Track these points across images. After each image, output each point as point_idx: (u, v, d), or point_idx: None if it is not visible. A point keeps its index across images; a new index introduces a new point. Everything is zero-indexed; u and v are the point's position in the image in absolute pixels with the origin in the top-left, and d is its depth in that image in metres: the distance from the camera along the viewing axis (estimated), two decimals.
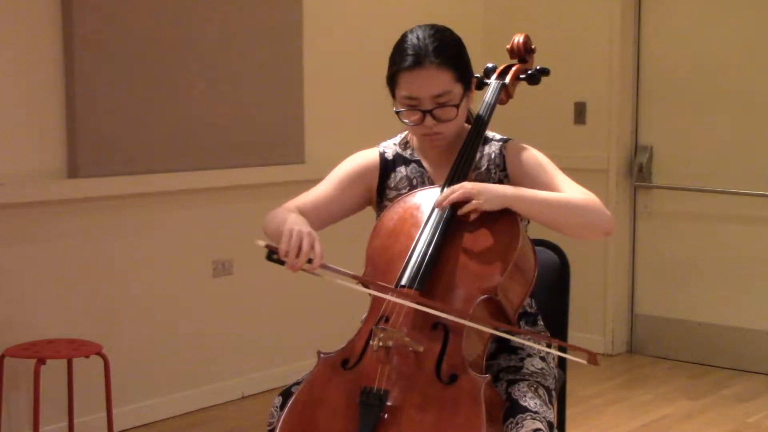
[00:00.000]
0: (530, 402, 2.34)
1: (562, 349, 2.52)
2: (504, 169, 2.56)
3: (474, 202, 2.36)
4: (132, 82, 4.22)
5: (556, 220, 2.43)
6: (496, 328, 2.35)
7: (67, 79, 4.05)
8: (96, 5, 4.09)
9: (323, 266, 2.29)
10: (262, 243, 2.30)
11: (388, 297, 2.33)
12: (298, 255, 2.26)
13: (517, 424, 2.29)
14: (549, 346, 2.56)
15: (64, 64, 4.05)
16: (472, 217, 2.39)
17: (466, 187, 2.37)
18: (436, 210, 2.43)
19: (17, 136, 3.97)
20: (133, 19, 4.21)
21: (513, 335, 2.42)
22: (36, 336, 3.95)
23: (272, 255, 2.28)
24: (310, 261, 2.27)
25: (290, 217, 2.41)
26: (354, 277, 2.33)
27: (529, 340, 2.51)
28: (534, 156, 2.56)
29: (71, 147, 4.07)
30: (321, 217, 2.58)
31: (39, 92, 4.01)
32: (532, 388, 2.40)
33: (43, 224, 4.02)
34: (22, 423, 3.97)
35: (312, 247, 2.28)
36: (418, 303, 2.29)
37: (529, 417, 2.30)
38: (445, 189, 2.44)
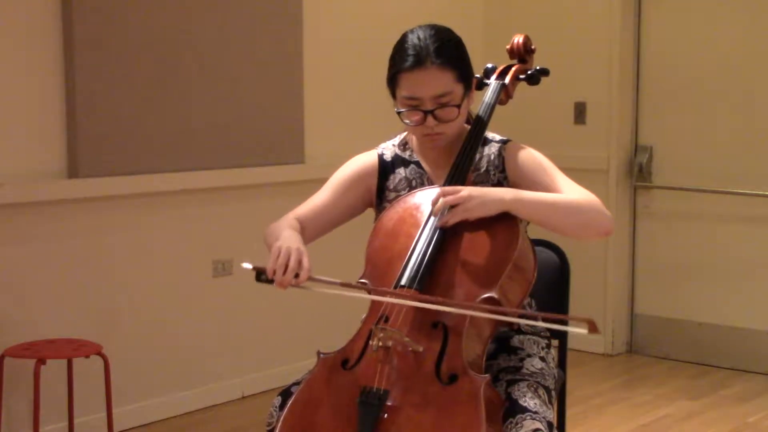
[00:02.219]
0: (530, 402, 2.34)
1: (562, 323, 2.48)
2: (503, 171, 2.56)
3: (461, 210, 2.34)
4: (132, 82, 4.22)
5: (556, 221, 2.42)
6: (494, 313, 2.33)
7: (67, 79, 4.05)
8: (96, 5, 4.09)
9: (311, 279, 2.31)
10: (249, 266, 2.33)
11: (385, 299, 2.33)
12: (285, 272, 2.28)
13: (516, 424, 2.29)
14: (546, 321, 2.52)
15: (64, 64, 4.05)
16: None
17: (460, 193, 2.36)
18: None
19: (17, 136, 3.97)
20: (133, 19, 4.21)
21: (510, 317, 2.37)
22: (36, 336, 3.95)
23: (260, 276, 2.32)
24: (297, 276, 2.29)
25: (284, 233, 2.43)
26: (342, 285, 2.33)
27: (527, 323, 2.49)
28: (533, 157, 2.56)
29: (71, 147, 4.07)
30: (323, 224, 2.61)
31: (39, 92, 4.01)
32: (532, 388, 2.40)
33: (43, 224, 4.02)
34: (22, 423, 3.97)
35: (299, 263, 2.30)
36: (418, 299, 2.29)
37: (528, 417, 2.30)
38: (442, 189, 2.42)
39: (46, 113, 4.03)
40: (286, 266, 2.28)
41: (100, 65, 4.11)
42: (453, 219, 2.37)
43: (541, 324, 2.54)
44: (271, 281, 2.30)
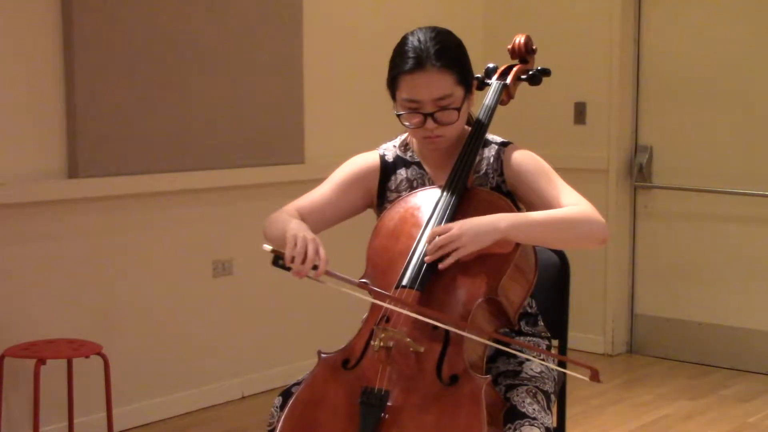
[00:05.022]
0: (528, 408, 2.34)
1: (563, 364, 2.51)
2: (501, 174, 2.55)
3: (453, 249, 2.29)
4: (132, 82, 4.22)
5: (552, 240, 2.44)
6: (494, 340, 2.34)
7: (67, 79, 4.05)
8: (96, 5, 4.09)
9: (328, 273, 2.29)
10: (268, 247, 2.30)
11: (390, 306, 2.32)
12: (303, 261, 2.26)
13: (515, 429, 2.29)
14: (552, 360, 2.54)
15: (64, 64, 4.04)
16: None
17: (450, 232, 2.32)
18: (437, 211, 2.43)
19: (17, 136, 3.96)
20: (133, 19, 4.21)
21: (513, 347, 2.40)
22: (36, 336, 3.95)
23: (278, 260, 2.28)
24: (315, 267, 2.27)
25: (292, 222, 2.41)
26: (359, 285, 2.32)
27: (529, 353, 2.49)
28: (531, 161, 2.54)
29: (71, 147, 4.07)
30: (321, 220, 2.58)
31: (39, 92, 4.01)
32: (531, 393, 2.39)
33: (43, 224, 4.02)
34: (22, 423, 3.97)
35: (317, 253, 2.27)
36: (419, 312, 2.28)
37: (527, 423, 2.30)
38: (433, 229, 2.36)
39: (46, 113, 4.03)
40: (305, 255, 2.26)
41: (100, 65, 4.11)
42: (448, 260, 2.31)
43: (540, 361, 2.53)
44: (288, 268, 2.27)
